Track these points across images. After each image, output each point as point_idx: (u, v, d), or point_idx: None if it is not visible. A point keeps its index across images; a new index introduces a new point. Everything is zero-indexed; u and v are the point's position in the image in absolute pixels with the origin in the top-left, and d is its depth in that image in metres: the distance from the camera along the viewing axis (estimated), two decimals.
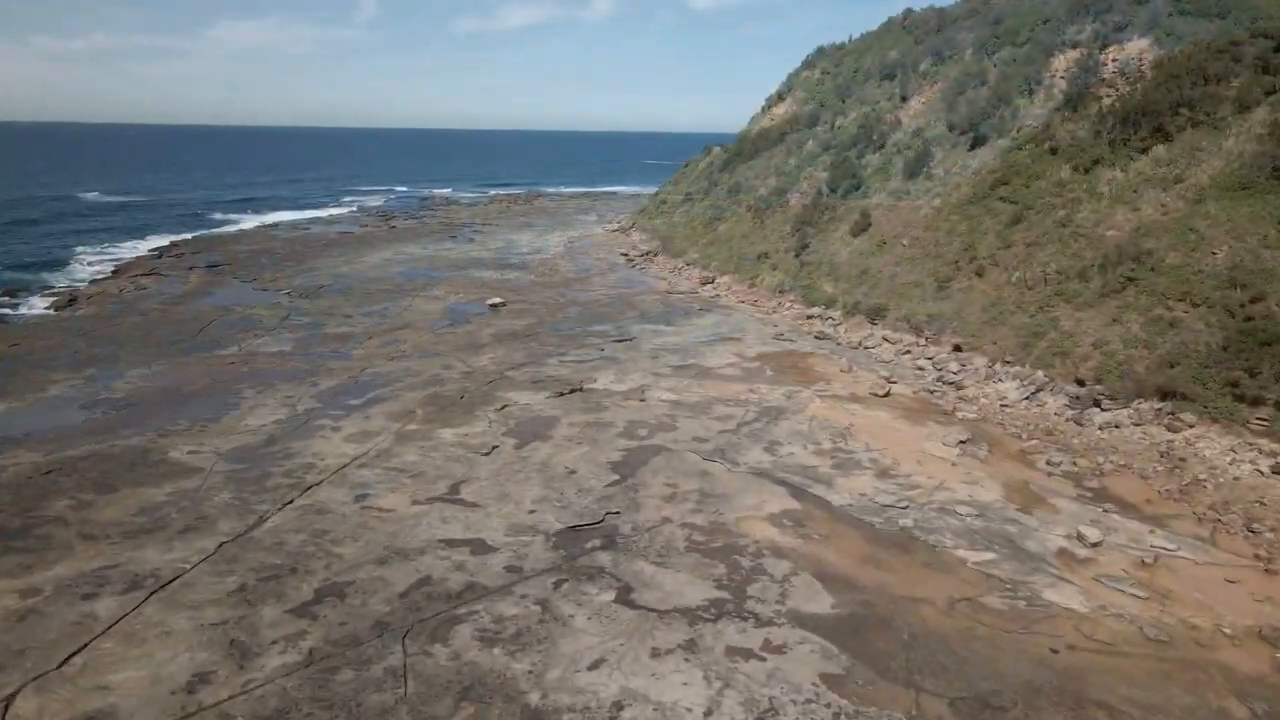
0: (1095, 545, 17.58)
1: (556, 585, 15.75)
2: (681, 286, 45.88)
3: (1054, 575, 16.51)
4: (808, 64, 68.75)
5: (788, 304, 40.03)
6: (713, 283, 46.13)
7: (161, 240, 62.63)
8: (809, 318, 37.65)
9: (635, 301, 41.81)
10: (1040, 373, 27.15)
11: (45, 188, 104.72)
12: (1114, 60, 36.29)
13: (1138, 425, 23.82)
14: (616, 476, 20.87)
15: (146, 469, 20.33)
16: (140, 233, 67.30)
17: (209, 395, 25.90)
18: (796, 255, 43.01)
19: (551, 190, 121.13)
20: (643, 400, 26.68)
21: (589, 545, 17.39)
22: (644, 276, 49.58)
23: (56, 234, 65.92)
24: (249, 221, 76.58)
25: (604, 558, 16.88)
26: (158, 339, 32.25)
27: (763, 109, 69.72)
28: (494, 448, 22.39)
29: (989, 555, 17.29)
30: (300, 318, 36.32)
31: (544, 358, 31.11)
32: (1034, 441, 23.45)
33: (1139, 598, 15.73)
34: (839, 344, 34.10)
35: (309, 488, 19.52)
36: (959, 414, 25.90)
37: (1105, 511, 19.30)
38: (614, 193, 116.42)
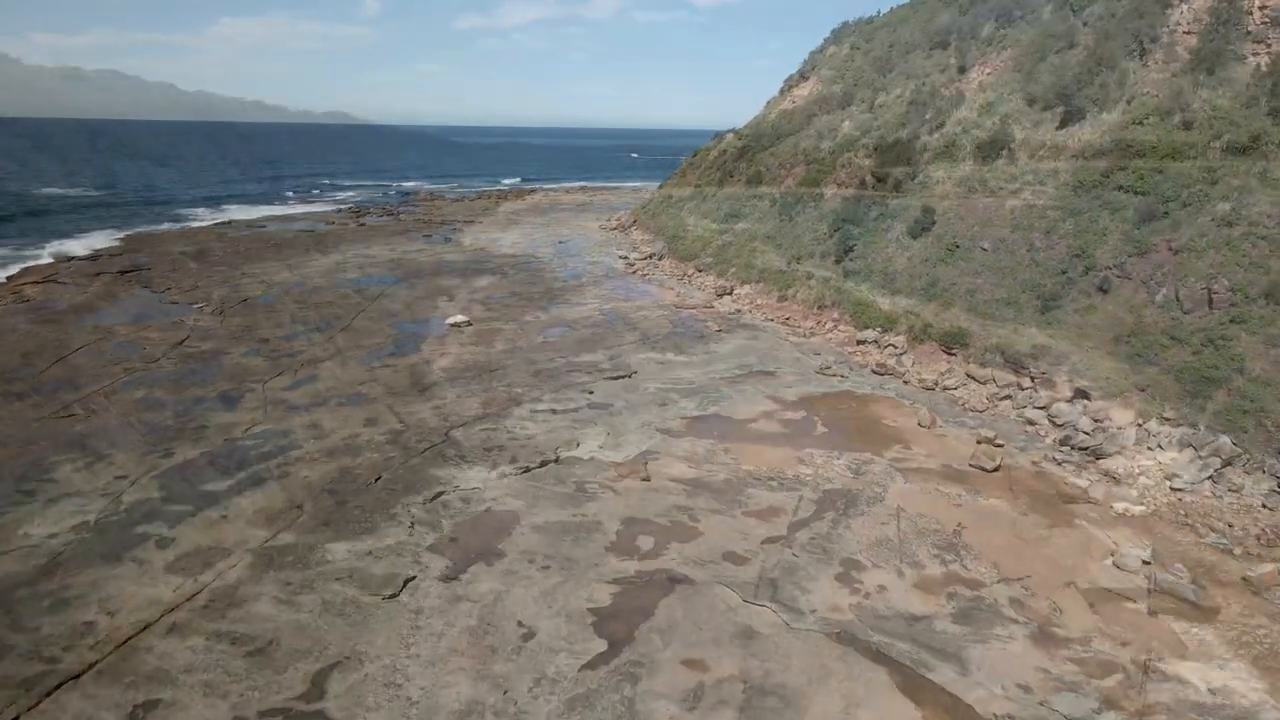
0: None
1: None
2: (693, 299, 37.32)
3: None
4: (833, 39, 60.04)
5: (830, 323, 31.49)
6: (731, 294, 37.57)
7: (99, 240, 54.43)
8: (860, 343, 29.14)
9: (635, 319, 33.24)
10: (1225, 438, 18.62)
11: (2, 183, 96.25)
12: (1262, 8, 27.73)
13: None
14: (603, 645, 12.45)
15: None
16: (78, 232, 59.06)
17: None
18: (838, 261, 34.45)
19: (550, 186, 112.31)
20: (645, 480, 18.23)
21: None
22: (646, 285, 40.98)
23: None
24: (206, 218, 68.44)
25: None
26: None
27: (781, 91, 61.06)
28: (407, 581, 13.92)
29: None
30: (198, 344, 27.74)
31: (509, 406, 22.57)
32: (1267, 566, 14.88)
33: None
34: (907, 382, 25.56)
35: (54, 690, 11.06)
36: (1115, 505, 17.42)
37: None
38: (615, 187, 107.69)
